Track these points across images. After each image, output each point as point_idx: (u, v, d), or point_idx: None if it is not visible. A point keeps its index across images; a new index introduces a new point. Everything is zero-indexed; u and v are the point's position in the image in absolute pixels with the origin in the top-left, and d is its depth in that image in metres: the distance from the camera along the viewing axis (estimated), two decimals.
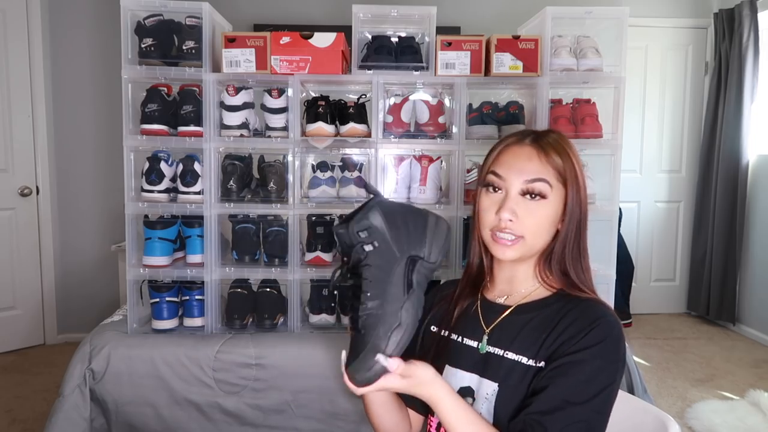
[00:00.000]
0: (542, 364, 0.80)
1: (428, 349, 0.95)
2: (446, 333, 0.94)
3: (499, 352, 0.85)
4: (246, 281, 1.84)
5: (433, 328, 0.98)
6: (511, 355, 0.83)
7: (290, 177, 1.78)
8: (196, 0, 1.75)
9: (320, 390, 1.68)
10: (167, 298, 1.76)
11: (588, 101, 1.88)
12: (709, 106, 3.70)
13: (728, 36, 3.52)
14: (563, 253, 0.87)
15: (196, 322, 1.79)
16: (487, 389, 0.83)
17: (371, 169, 1.83)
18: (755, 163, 3.48)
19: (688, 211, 3.92)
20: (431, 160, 1.85)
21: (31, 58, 3.12)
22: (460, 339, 0.91)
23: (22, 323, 3.19)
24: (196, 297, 1.79)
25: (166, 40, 1.76)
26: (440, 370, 0.88)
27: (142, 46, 1.72)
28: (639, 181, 3.86)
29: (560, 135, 0.89)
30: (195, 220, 1.80)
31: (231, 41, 1.76)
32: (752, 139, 3.46)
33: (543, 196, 0.83)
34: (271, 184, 1.80)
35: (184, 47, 1.74)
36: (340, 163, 1.90)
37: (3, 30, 3.02)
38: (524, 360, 0.82)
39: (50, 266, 3.28)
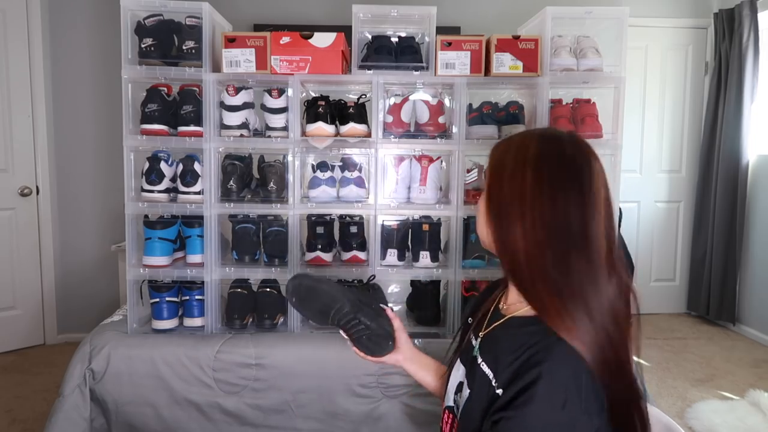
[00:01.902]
0: (500, 390, 0.74)
1: (461, 340, 1.00)
2: (471, 329, 0.97)
3: (479, 359, 0.82)
4: (246, 281, 1.84)
5: (470, 320, 0.99)
6: (484, 366, 0.80)
7: (290, 177, 1.78)
8: (196, 0, 1.75)
9: (320, 390, 1.68)
10: (167, 298, 1.76)
11: (588, 101, 1.89)
12: (709, 106, 3.69)
13: (728, 36, 3.52)
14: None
15: (196, 322, 1.79)
16: (465, 392, 0.84)
17: (371, 169, 1.83)
18: (755, 163, 3.48)
19: (688, 211, 3.92)
20: (431, 160, 1.85)
21: (31, 58, 3.12)
22: (473, 337, 0.93)
23: (22, 323, 3.19)
24: (196, 297, 1.79)
25: (166, 40, 1.76)
26: (454, 362, 0.94)
27: (142, 46, 1.72)
28: (639, 181, 3.86)
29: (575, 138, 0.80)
30: (195, 220, 1.80)
31: (231, 41, 1.76)
32: (752, 139, 3.46)
33: None
34: (271, 184, 1.80)
35: (184, 47, 1.74)
36: (340, 163, 1.90)
37: (3, 30, 3.02)
38: (490, 375, 0.77)
39: (50, 266, 3.28)
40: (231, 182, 1.77)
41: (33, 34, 3.12)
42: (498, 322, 0.85)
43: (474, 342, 0.89)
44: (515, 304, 0.84)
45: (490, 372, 0.78)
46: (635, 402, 0.74)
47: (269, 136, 1.78)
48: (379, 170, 1.80)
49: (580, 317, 0.71)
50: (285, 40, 1.75)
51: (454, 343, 1.03)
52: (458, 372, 0.90)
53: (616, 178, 1.81)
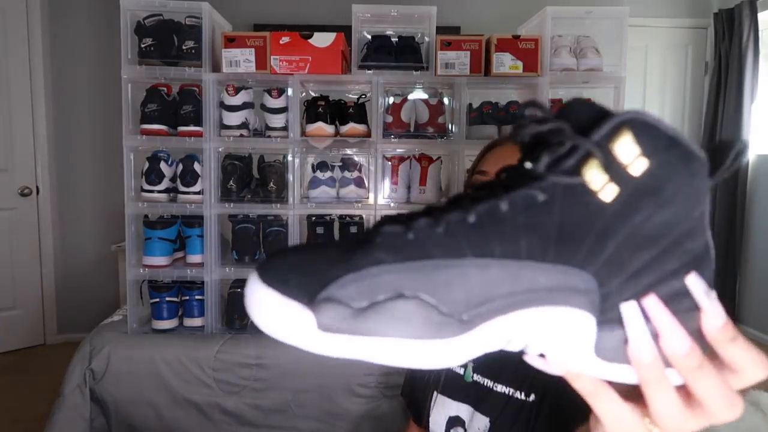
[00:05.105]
0: (533, 397, 0.71)
1: (421, 371, 0.89)
2: None
3: (488, 383, 0.77)
4: (246, 281, 1.83)
5: None
6: (500, 388, 0.75)
7: (290, 177, 1.78)
8: (195, 0, 1.75)
9: (320, 390, 1.68)
10: (167, 298, 1.76)
11: (588, 101, 1.88)
12: (709, 106, 3.69)
13: (728, 36, 3.52)
14: None
15: (196, 322, 1.79)
16: (479, 423, 0.77)
17: (371, 169, 1.83)
18: (755, 163, 3.48)
19: None
20: (431, 160, 1.85)
21: (31, 58, 3.12)
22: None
23: (22, 323, 3.19)
24: (196, 297, 1.79)
25: (166, 40, 1.76)
26: (430, 397, 0.83)
27: (142, 46, 1.72)
28: None
29: None
30: (195, 220, 1.80)
31: (231, 41, 1.76)
32: (752, 139, 3.45)
33: None
34: (271, 184, 1.80)
35: (183, 47, 1.73)
36: (340, 163, 1.90)
37: (3, 30, 3.02)
38: (516, 394, 0.73)
39: (50, 266, 3.28)
40: (231, 182, 1.77)
41: (33, 34, 3.12)
42: None
43: (459, 369, 0.82)
44: None
45: (512, 390, 0.74)
46: None
47: (269, 136, 1.78)
48: (379, 170, 1.80)
49: None
50: (285, 40, 1.75)
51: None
52: (444, 407, 0.82)
53: None
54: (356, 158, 1.94)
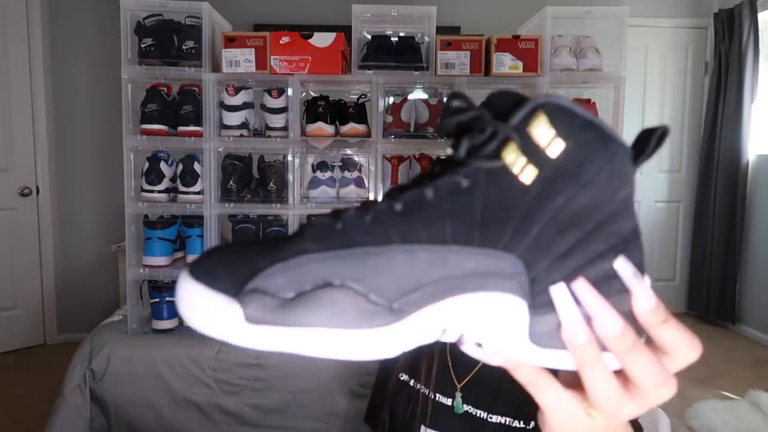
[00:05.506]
0: (533, 425, 0.68)
1: (403, 403, 0.80)
2: (417, 385, 0.79)
3: (482, 414, 0.73)
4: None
5: (403, 377, 0.81)
6: (496, 419, 0.71)
7: (290, 177, 1.78)
8: (195, 0, 1.75)
9: (320, 390, 1.68)
10: (167, 298, 1.77)
11: (588, 101, 1.89)
12: (709, 106, 3.69)
13: (728, 36, 3.52)
14: None
15: None
16: None
17: (371, 169, 1.83)
18: (755, 163, 3.48)
19: (687, 211, 3.92)
20: (431, 160, 1.85)
21: (31, 58, 3.12)
22: (431, 394, 0.77)
23: (22, 323, 3.19)
24: None
25: (166, 40, 1.76)
26: (416, 431, 0.77)
27: (142, 46, 1.72)
28: (639, 181, 3.84)
29: None
30: (195, 220, 1.80)
31: (231, 41, 1.76)
32: (752, 139, 3.45)
33: None
34: (271, 184, 1.80)
35: (183, 47, 1.74)
36: (340, 163, 1.91)
37: (3, 30, 3.02)
38: (515, 423, 0.70)
39: (50, 266, 3.28)
40: (231, 182, 1.77)
41: (33, 34, 3.12)
42: (480, 365, 0.74)
43: (446, 400, 0.77)
44: None
45: (508, 419, 0.71)
46: None
47: (269, 136, 1.78)
48: (379, 170, 1.80)
49: None
50: (285, 40, 1.75)
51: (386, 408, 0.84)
52: None
53: None
54: (356, 158, 1.94)
